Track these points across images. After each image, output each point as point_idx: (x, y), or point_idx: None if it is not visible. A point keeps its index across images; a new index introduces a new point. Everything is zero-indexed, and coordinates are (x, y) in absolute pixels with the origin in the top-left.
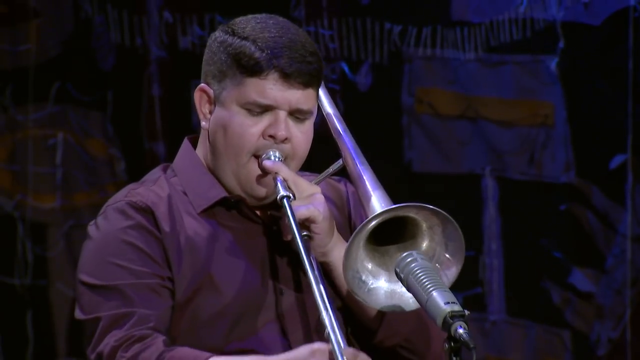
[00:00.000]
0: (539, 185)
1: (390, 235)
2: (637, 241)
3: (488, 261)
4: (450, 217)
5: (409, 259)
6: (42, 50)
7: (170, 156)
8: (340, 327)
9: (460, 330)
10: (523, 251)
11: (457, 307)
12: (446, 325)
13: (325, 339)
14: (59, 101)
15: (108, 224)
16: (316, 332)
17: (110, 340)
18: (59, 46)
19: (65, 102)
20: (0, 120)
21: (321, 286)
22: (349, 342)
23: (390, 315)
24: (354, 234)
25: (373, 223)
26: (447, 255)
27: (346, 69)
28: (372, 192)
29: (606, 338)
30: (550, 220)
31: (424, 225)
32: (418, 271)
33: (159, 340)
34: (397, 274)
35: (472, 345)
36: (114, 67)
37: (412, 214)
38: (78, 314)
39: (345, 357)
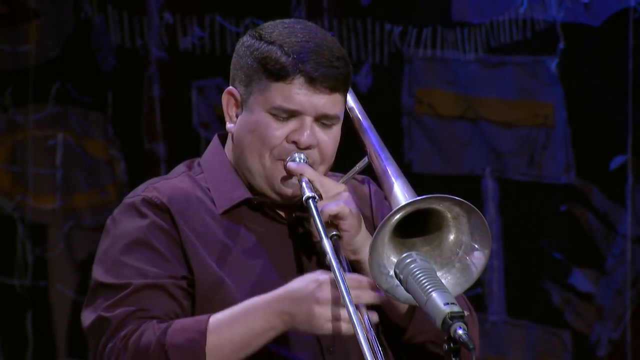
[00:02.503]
0: (539, 185)
1: (417, 229)
2: (637, 242)
3: (488, 262)
4: (474, 207)
5: (408, 260)
6: (42, 51)
7: (171, 157)
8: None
9: (460, 331)
10: (523, 252)
11: (456, 308)
12: (446, 326)
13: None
14: (59, 102)
15: (123, 220)
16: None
17: (107, 342)
18: (59, 47)
19: (65, 102)
20: (0, 121)
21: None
22: (379, 339)
23: (419, 313)
24: (377, 228)
25: (397, 217)
26: (475, 244)
27: None
28: (395, 186)
29: (606, 339)
30: (551, 220)
31: (449, 216)
32: (417, 272)
33: (153, 322)
34: (396, 275)
35: (471, 346)
36: (114, 68)
37: (435, 205)
38: (83, 313)
39: (347, 283)
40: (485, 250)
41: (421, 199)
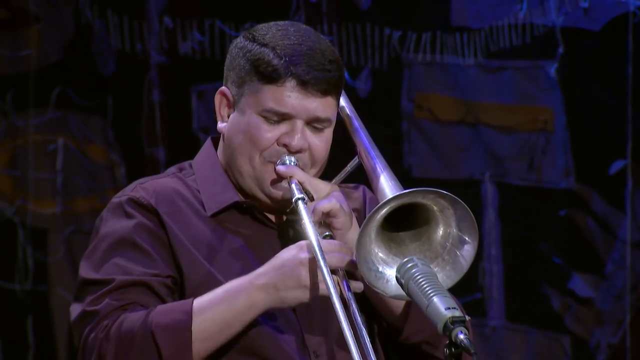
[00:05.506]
0: (538, 190)
1: (406, 224)
2: (637, 247)
3: (488, 267)
4: (457, 198)
5: (409, 265)
6: (43, 56)
7: (171, 161)
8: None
9: (461, 336)
10: (523, 257)
11: (457, 313)
12: (447, 330)
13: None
14: (59, 106)
15: (110, 219)
16: (335, 329)
17: (89, 333)
18: (60, 51)
19: (65, 107)
20: (1, 126)
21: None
22: (373, 341)
23: (415, 313)
24: (363, 223)
25: (382, 211)
26: (462, 235)
27: (346, 74)
28: (382, 182)
29: (606, 344)
30: (550, 225)
31: (435, 209)
32: (419, 277)
33: (134, 311)
34: (397, 280)
35: (472, 351)
36: (114, 73)
37: (420, 199)
38: (70, 309)
39: (324, 247)
40: (474, 241)
41: (405, 192)
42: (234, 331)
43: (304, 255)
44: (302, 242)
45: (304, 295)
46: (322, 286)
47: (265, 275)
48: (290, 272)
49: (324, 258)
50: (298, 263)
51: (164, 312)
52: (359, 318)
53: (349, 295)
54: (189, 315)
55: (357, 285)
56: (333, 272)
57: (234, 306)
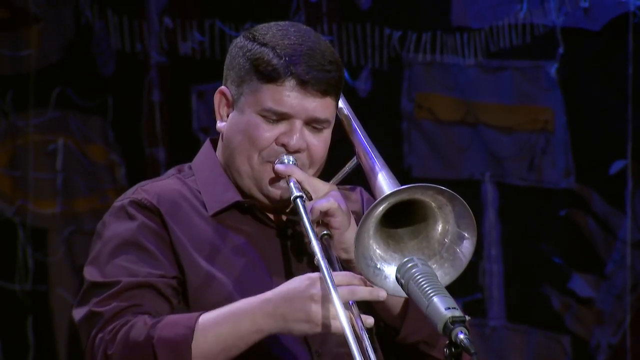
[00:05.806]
0: (538, 190)
1: (404, 221)
2: (637, 247)
3: (488, 267)
4: (456, 194)
5: (409, 265)
6: (43, 56)
7: (171, 162)
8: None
9: (461, 336)
10: (523, 257)
11: (457, 313)
12: (447, 330)
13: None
14: (59, 107)
15: (113, 222)
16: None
17: (97, 334)
18: (60, 52)
19: (65, 107)
20: (1, 126)
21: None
22: (372, 341)
23: (413, 312)
24: (361, 220)
25: (380, 208)
26: (461, 232)
27: (346, 74)
28: (380, 180)
29: (606, 344)
30: (550, 225)
31: (434, 206)
32: (419, 277)
33: (144, 316)
34: (397, 280)
35: (472, 351)
36: (114, 73)
37: (418, 195)
38: (74, 311)
39: (337, 280)
40: (472, 237)
41: (403, 188)
42: (237, 351)
43: (316, 290)
44: (314, 275)
45: (311, 329)
46: (334, 323)
47: (273, 304)
48: (300, 306)
49: (337, 292)
50: (308, 298)
51: (170, 324)
52: (360, 319)
53: (361, 333)
54: (191, 330)
55: (369, 321)
56: (345, 306)
57: (238, 329)
